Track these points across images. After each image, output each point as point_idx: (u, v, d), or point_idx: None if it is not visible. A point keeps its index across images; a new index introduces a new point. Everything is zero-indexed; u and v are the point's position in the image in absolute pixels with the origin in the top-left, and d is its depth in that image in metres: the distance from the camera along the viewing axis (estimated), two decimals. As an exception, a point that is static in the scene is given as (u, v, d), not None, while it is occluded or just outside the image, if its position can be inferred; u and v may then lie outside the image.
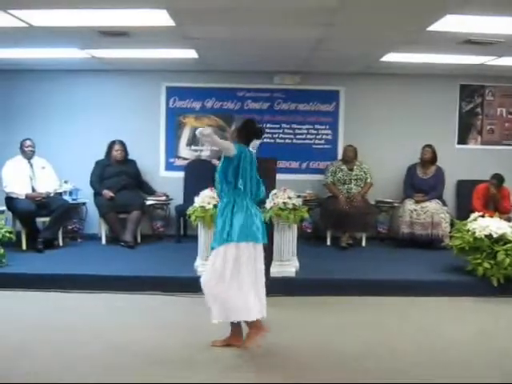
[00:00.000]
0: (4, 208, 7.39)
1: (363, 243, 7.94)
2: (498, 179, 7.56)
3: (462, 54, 6.76)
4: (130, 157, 8.13)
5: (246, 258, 4.23)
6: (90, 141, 8.25)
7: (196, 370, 4.00)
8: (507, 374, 4.03)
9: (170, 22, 5.27)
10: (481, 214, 6.58)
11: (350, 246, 7.73)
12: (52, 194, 7.50)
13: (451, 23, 5.20)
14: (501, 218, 6.67)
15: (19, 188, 7.28)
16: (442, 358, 4.29)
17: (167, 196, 8.17)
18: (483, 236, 6.10)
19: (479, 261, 6.07)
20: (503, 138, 8.71)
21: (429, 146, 8.06)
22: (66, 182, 7.96)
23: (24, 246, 7.20)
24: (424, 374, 3.98)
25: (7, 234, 6.43)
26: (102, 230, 7.83)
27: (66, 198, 7.84)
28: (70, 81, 8.38)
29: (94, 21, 5.35)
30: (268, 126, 8.46)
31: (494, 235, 6.09)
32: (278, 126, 8.52)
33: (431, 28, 5.35)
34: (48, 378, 3.80)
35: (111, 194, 7.67)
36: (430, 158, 8.05)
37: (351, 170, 8.02)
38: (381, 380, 3.88)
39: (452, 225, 7.36)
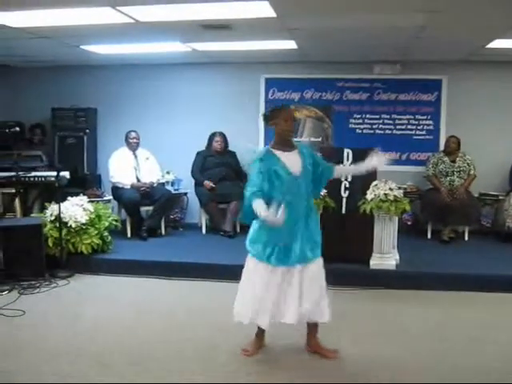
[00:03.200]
0: (111, 197, 7.74)
1: (466, 237, 7.69)
2: None
3: None
4: (230, 148, 8.25)
5: None
6: (191, 132, 8.46)
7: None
8: None
9: (272, 13, 5.29)
10: None
11: (451, 239, 7.51)
12: (155, 185, 7.75)
13: None
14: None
15: (125, 178, 7.58)
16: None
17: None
18: None
19: None
20: None
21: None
22: (168, 172, 8.20)
23: (129, 234, 7.50)
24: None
25: (114, 222, 6.73)
26: (203, 220, 8.01)
27: (169, 188, 8.08)
28: (173, 74, 8.62)
29: (196, 14, 5.46)
30: (367, 116, 8.37)
31: None
32: (377, 116, 8.39)
33: (543, 12, 5.10)
34: (152, 358, 3.97)
35: (212, 185, 7.82)
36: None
37: (454, 161, 7.78)
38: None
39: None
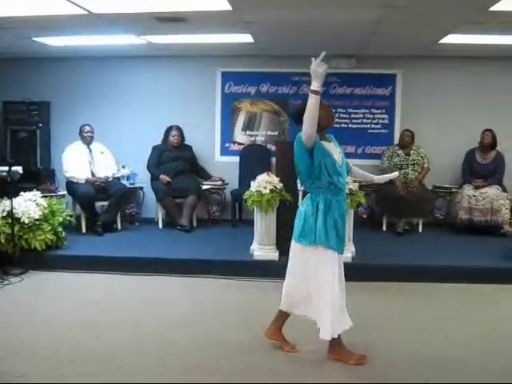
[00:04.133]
0: (65, 192, 7.61)
1: (420, 229, 7.83)
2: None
3: (526, 35, 6.55)
4: (187, 142, 8.20)
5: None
6: (146, 126, 8.39)
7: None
8: None
9: (227, 6, 5.27)
10: (543, 200, 6.41)
11: (406, 231, 7.64)
12: (110, 179, 7.65)
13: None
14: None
15: (79, 173, 7.46)
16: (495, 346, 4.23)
17: (223, 181, 8.22)
18: (546, 223, 5.95)
19: (542, 248, 5.93)
20: None
21: (489, 130, 7.86)
22: (123, 166, 8.11)
23: (84, 229, 7.38)
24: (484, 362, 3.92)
25: (68, 218, 6.61)
26: (159, 215, 7.96)
27: (124, 182, 7.99)
28: (128, 67, 8.53)
29: (151, 6, 5.40)
30: (323, 110, 8.41)
31: (558, 222, 5.93)
32: (333, 110, 8.38)
33: (493, 8, 5.19)
34: (113, 353, 3.92)
35: (168, 179, 7.77)
36: (489, 142, 7.85)
37: (408, 154, 7.90)
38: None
39: (512, 211, 7.22)
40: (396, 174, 4.52)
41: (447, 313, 5.01)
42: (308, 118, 3.57)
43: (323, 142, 3.78)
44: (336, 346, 3.86)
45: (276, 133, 8.56)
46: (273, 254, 6.09)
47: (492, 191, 7.59)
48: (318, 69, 3.62)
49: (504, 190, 7.73)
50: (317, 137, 3.69)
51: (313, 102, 3.57)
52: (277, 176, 6.11)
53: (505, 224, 7.35)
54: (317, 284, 3.77)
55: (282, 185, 6.01)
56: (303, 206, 3.91)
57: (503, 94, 8.28)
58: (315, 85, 3.59)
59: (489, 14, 5.37)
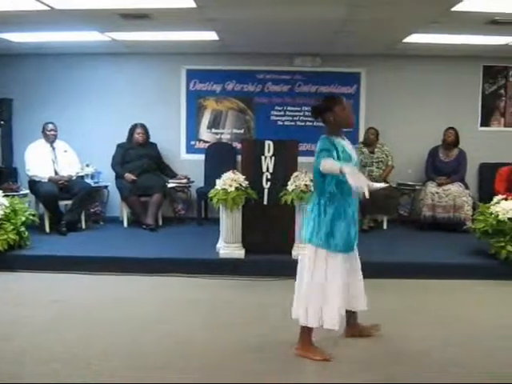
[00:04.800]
0: (27, 191, 7.48)
1: (384, 226, 7.91)
2: (522, 161, 7.50)
3: (486, 35, 6.66)
4: (152, 140, 8.15)
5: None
6: (111, 124, 8.31)
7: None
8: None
9: (192, 4, 5.25)
10: (504, 196, 6.52)
11: (371, 228, 7.71)
12: (74, 178, 7.55)
13: (476, 3, 5.13)
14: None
15: (42, 171, 7.34)
16: (460, 341, 4.30)
17: (188, 179, 8.19)
18: (506, 219, 6.05)
19: (502, 244, 6.03)
20: (525, 120, 8.61)
21: (451, 128, 7.98)
22: (87, 165, 8.01)
23: (47, 229, 7.27)
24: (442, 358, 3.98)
25: (31, 217, 6.49)
26: (124, 213, 7.88)
27: (88, 181, 7.89)
28: (91, 64, 8.41)
29: (115, 3, 5.36)
30: (289, 108, 8.47)
31: (518, 218, 6.04)
32: (298, 108, 8.48)
33: (455, 8, 5.27)
34: (76, 354, 3.88)
35: (133, 177, 7.70)
36: (452, 140, 7.97)
37: (372, 152, 7.98)
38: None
39: (474, 208, 7.33)
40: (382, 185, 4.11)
41: (407, 308, 5.08)
42: (326, 170, 3.66)
43: (339, 140, 3.88)
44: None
45: (241, 131, 8.56)
46: (239, 252, 6.09)
47: (455, 188, 7.70)
48: (361, 184, 3.41)
49: (466, 187, 7.87)
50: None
51: (330, 169, 3.62)
52: (242, 174, 6.12)
53: (467, 220, 7.46)
54: None
55: (247, 183, 6.03)
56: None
57: (464, 93, 8.43)
58: (346, 170, 3.45)
59: (451, 14, 5.46)
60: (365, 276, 5.62)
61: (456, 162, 7.97)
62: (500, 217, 6.08)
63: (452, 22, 5.87)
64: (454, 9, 5.28)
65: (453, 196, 7.62)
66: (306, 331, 3.94)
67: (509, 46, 7.26)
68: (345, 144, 3.92)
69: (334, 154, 3.75)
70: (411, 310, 5.01)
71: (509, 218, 6.05)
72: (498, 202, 6.33)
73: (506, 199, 6.39)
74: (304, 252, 4.05)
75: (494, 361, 3.92)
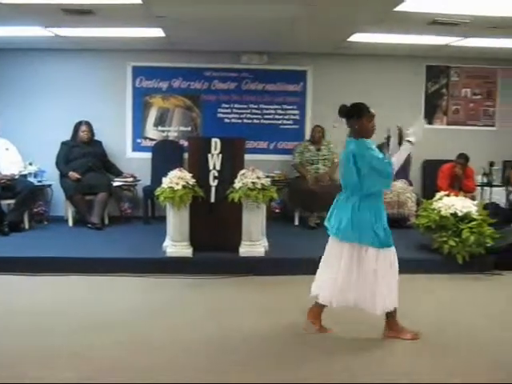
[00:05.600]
0: (-32, 191, 7.26)
1: (331, 223, 7.99)
2: (465, 159, 7.70)
3: (429, 35, 6.81)
4: (97, 138, 8.02)
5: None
6: (55, 122, 8.12)
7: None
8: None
9: (137, 0, 5.19)
10: (446, 193, 6.69)
11: (317, 225, 7.76)
12: (17, 176, 7.37)
13: (418, 4, 5.23)
14: (465, 196, 6.84)
15: (-17, 170, 7.15)
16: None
17: (134, 177, 8.09)
18: (449, 214, 6.21)
19: (445, 239, 6.18)
20: (468, 119, 8.84)
21: (397, 126, 8.10)
22: (30, 163, 7.80)
23: (-11, 229, 7.08)
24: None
25: (-29, 217, 6.32)
26: (69, 213, 7.73)
27: (31, 180, 7.69)
28: (35, 60, 8.22)
29: (58, -2, 5.26)
30: (235, 106, 8.47)
31: (459, 214, 6.20)
32: (245, 106, 8.50)
33: (398, 8, 5.37)
34: (12, 364, 3.78)
35: (77, 176, 7.57)
36: (397, 138, 8.09)
37: (319, 150, 8.05)
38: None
39: (418, 204, 7.49)
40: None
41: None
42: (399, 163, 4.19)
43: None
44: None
45: (188, 128, 8.52)
46: (186, 251, 6.06)
47: (399, 185, 7.84)
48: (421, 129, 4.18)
49: (410, 183, 8.04)
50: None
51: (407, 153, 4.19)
52: (189, 172, 6.09)
53: (411, 216, 7.61)
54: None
55: (194, 180, 6.00)
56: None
57: (408, 92, 8.61)
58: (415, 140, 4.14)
59: (394, 14, 5.55)
60: (312, 272, 5.71)
61: (400, 160, 8.10)
62: (442, 212, 6.23)
63: (395, 21, 5.98)
64: (396, 9, 5.38)
65: (397, 192, 7.76)
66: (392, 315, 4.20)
67: (450, 46, 7.44)
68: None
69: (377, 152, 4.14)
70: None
71: (451, 214, 6.21)
72: (440, 198, 6.50)
73: (448, 195, 6.57)
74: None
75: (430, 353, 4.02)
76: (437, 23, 5.96)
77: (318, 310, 4.37)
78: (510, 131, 8.50)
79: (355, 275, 4.16)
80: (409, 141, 4.12)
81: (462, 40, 7.03)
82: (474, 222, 6.12)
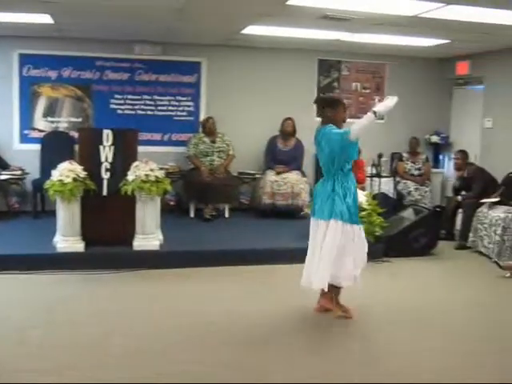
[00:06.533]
0: None
1: (226, 214, 8.03)
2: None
3: (320, 29, 6.94)
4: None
5: (312, 231, 4.59)
6: None
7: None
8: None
9: (22, -16, 4.96)
10: (337, 183, 6.87)
11: (213, 217, 7.79)
12: None
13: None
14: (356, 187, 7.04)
15: None
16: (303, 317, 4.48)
17: (22, 170, 7.74)
18: (339, 205, 6.37)
19: (336, 228, 6.34)
20: (358, 112, 9.06)
21: (289, 118, 8.27)
22: None
23: None
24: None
25: None
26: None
27: None
28: None
29: None
30: (129, 97, 8.29)
31: (350, 204, 6.37)
32: (139, 97, 8.33)
33: (290, 2, 5.43)
34: None
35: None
36: (290, 130, 8.26)
37: (214, 142, 8.05)
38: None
39: (311, 195, 7.65)
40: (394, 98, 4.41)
41: (251, 292, 5.24)
42: (363, 130, 4.32)
43: None
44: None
45: (79, 119, 8.25)
46: (78, 246, 5.88)
47: (293, 176, 8.00)
48: (390, 106, 4.31)
49: (304, 175, 8.20)
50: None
51: (371, 122, 4.29)
52: (80, 164, 5.90)
53: (305, 207, 7.77)
54: None
55: (85, 173, 5.83)
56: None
57: (301, 85, 8.77)
58: (380, 111, 4.30)
59: (286, 7, 5.61)
60: (207, 265, 5.73)
61: (294, 151, 8.27)
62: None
63: (287, 15, 6.05)
64: (288, 2, 5.44)
65: (291, 184, 7.91)
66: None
67: (340, 41, 7.63)
68: None
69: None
70: (255, 295, 5.14)
71: (341, 204, 6.37)
72: (332, 189, 6.66)
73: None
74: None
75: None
76: (328, 18, 6.09)
77: (329, 295, 4.61)
78: (397, 124, 8.84)
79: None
80: (374, 111, 4.26)
81: (353, 35, 7.23)
82: (364, 212, 6.31)
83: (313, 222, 4.60)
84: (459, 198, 7.55)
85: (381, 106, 4.33)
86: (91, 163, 6.00)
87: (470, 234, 6.99)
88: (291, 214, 7.93)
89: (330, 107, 4.50)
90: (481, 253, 6.79)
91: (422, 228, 6.75)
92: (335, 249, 4.36)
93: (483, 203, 6.98)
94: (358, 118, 8.61)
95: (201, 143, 7.99)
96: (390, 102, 4.31)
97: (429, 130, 9.28)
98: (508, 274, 5.95)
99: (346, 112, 4.58)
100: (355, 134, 4.29)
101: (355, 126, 4.30)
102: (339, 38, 7.43)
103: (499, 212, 6.68)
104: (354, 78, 9.10)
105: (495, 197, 6.96)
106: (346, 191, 4.45)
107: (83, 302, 4.87)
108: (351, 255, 4.42)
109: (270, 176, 8.00)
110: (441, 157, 9.47)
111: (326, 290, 4.48)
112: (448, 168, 9.27)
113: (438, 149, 9.42)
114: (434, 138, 9.26)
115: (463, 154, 7.71)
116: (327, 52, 8.73)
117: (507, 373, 3.69)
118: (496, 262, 6.35)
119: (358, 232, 4.51)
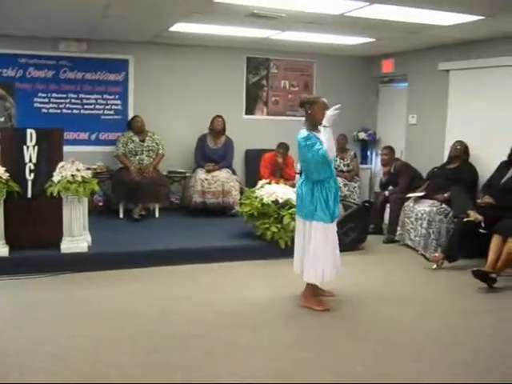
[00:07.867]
0: None
1: (156, 214, 7.94)
2: (284, 148, 8.00)
3: (248, 27, 6.94)
4: None
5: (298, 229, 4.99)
6: None
7: None
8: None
9: None
10: (268, 180, 6.93)
11: (142, 217, 7.69)
12: None
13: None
14: (286, 184, 7.13)
15: None
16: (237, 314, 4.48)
17: None
18: (270, 202, 6.42)
19: (267, 225, 6.39)
20: (287, 109, 9.20)
21: (219, 116, 8.25)
22: None
23: None
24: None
25: None
26: None
27: None
28: None
29: None
30: (53, 95, 8.06)
31: (280, 201, 6.43)
32: (64, 95, 8.11)
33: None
34: None
35: None
36: (220, 128, 8.24)
37: (143, 140, 7.93)
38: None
39: (242, 192, 7.68)
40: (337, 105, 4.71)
41: (182, 292, 5.21)
42: (331, 149, 4.72)
43: (316, 134, 4.76)
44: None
45: (2, 119, 7.90)
46: (1, 250, 5.65)
47: (223, 174, 7.98)
48: (332, 115, 4.65)
49: (234, 172, 8.20)
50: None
51: (329, 133, 4.67)
52: (2, 166, 5.70)
53: (235, 205, 7.77)
54: None
55: (8, 175, 5.63)
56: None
57: (231, 83, 8.78)
58: (327, 123, 4.68)
59: (213, 4, 5.58)
60: (137, 266, 5.66)
61: (223, 149, 8.26)
62: (264, 200, 6.44)
63: (214, 12, 6.01)
64: (215, 0, 5.41)
65: (221, 182, 7.89)
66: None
67: (269, 39, 7.67)
68: (321, 136, 4.73)
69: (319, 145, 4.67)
70: (182, 296, 5.10)
71: (272, 201, 6.42)
72: (262, 186, 6.72)
73: (269, 183, 6.80)
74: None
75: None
76: (255, 16, 6.09)
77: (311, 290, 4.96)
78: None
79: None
80: (324, 126, 4.65)
81: (280, 33, 7.27)
82: (294, 209, 6.36)
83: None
84: (386, 193, 7.73)
85: (328, 120, 4.66)
86: (14, 164, 5.80)
87: (398, 228, 7.19)
88: (222, 213, 7.93)
89: (309, 105, 4.81)
90: (408, 246, 6.98)
91: (352, 223, 6.86)
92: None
93: (409, 198, 7.17)
94: (287, 115, 8.98)
95: (130, 142, 7.85)
96: (331, 112, 4.64)
97: (356, 127, 9.44)
98: (434, 266, 6.15)
99: (323, 112, 4.72)
100: (328, 154, 4.67)
101: (326, 147, 4.65)
102: (267, 36, 7.45)
103: (424, 206, 6.87)
104: (282, 76, 9.17)
105: (421, 191, 7.16)
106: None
107: (4, 309, 4.71)
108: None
109: (201, 174, 7.96)
110: (368, 153, 9.67)
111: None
112: (375, 164, 9.47)
113: (366, 145, 9.61)
114: (362, 135, 9.43)
115: (390, 149, 7.90)
116: (256, 50, 8.76)
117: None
118: (423, 255, 6.55)
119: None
